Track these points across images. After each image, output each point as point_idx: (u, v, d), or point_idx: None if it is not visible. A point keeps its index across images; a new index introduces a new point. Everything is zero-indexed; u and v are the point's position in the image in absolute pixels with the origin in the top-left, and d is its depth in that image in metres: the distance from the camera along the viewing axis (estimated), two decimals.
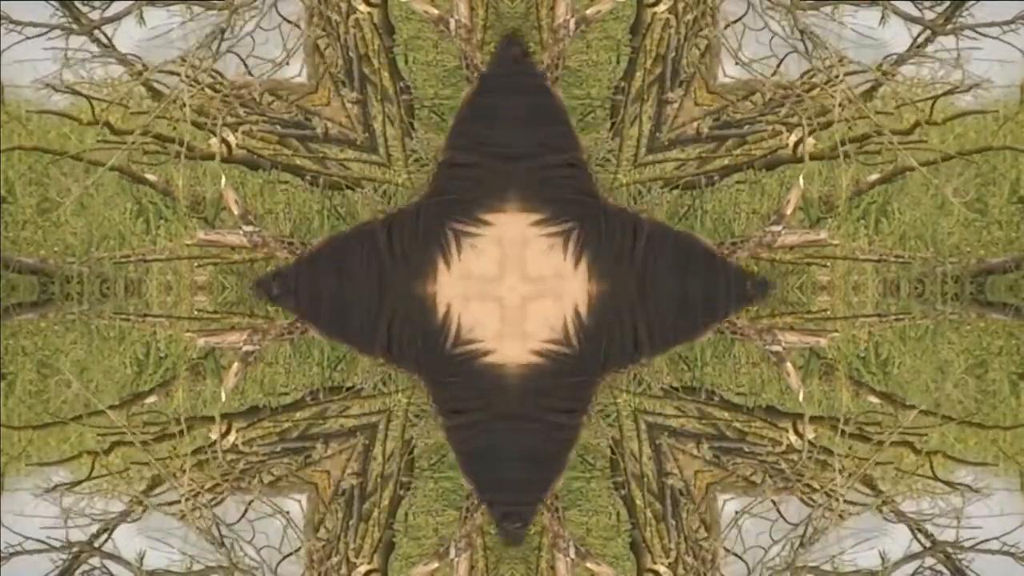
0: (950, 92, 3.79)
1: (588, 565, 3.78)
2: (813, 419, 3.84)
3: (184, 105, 3.74)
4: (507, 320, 3.79)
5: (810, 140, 3.80)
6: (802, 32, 3.75)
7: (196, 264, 3.84)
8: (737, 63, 3.82)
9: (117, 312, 3.85)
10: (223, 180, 3.77)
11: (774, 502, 3.79)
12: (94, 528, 3.76)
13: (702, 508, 3.82)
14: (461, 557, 3.77)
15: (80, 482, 3.79)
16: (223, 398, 3.81)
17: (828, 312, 3.88)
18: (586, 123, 3.84)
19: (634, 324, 3.78)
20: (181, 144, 3.76)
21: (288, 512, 3.81)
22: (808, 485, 3.79)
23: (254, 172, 3.83)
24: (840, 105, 3.75)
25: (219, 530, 3.75)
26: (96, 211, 3.81)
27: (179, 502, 3.74)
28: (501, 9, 3.77)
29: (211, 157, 3.79)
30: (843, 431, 3.80)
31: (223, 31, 3.74)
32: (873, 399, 3.85)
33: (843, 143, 3.77)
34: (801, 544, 3.75)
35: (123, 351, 3.85)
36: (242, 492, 3.78)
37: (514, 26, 3.77)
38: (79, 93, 3.76)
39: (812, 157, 3.81)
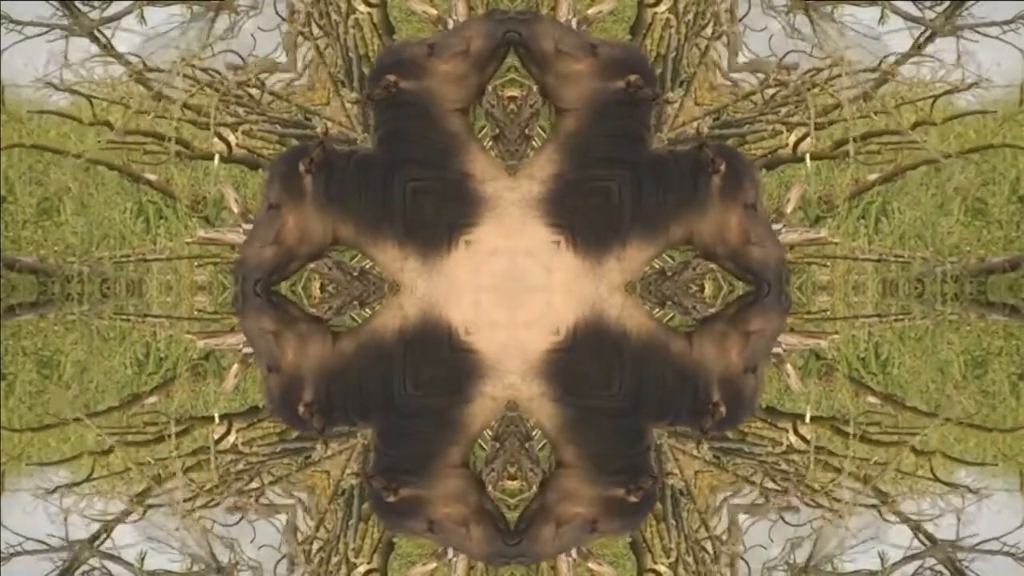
0: (950, 92, 3.79)
1: (588, 565, 3.78)
2: (814, 419, 3.84)
3: (160, 99, 3.74)
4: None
5: (810, 140, 3.81)
6: (812, 22, 3.74)
7: (196, 264, 3.84)
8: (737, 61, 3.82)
9: (117, 312, 3.84)
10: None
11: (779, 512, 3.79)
12: (94, 528, 3.76)
13: (715, 518, 3.81)
14: (460, 557, 3.77)
15: (80, 483, 3.79)
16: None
17: (828, 312, 3.87)
18: None
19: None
20: (169, 140, 3.76)
21: (288, 513, 3.82)
22: (810, 487, 3.79)
23: (254, 172, 3.82)
24: (849, 101, 3.75)
25: (207, 540, 3.75)
26: (96, 211, 3.81)
27: (175, 504, 3.74)
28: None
29: (210, 156, 3.79)
30: (853, 434, 3.80)
31: (213, 20, 3.74)
32: (873, 399, 3.85)
33: (854, 140, 3.76)
34: (811, 557, 3.76)
35: (123, 351, 3.85)
36: (238, 509, 3.78)
37: None
38: (79, 93, 3.76)
39: (812, 156, 3.81)
